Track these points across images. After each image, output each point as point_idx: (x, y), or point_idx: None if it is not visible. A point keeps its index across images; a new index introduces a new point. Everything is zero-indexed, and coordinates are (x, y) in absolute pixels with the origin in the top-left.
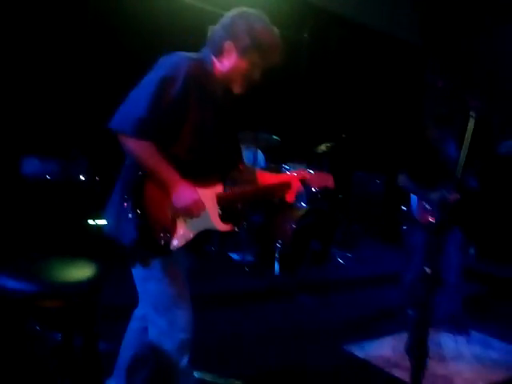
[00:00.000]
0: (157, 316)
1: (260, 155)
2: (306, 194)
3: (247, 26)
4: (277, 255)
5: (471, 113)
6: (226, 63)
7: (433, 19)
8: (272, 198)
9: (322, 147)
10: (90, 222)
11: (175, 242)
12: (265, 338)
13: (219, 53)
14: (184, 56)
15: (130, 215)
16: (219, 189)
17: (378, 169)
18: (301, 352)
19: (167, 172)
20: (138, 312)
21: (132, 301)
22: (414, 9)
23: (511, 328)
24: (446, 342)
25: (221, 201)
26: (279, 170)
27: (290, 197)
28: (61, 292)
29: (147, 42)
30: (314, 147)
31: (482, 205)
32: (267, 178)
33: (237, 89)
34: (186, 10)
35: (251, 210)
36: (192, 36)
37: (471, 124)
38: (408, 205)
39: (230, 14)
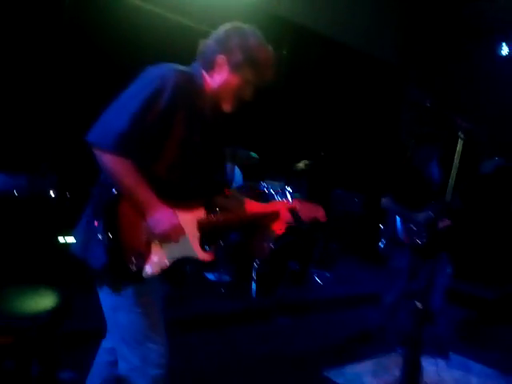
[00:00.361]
0: (128, 350)
1: (237, 172)
2: None
3: (241, 40)
4: (254, 275)
5: (460, 134)
6: (217, 78)
7: (411, 39)
8: (258, 228)
9: (301, 165)
10: (60, 239)
11: (148, 269)
12: (242, 363)
13: (210, 67)
14: (172, 67)
15: (99, 236)
16: (201, 214)
17: (357, 187)
18: (279, 378)
19: (144, 193)
20: (105, 344)
21: (102, 325)
22: (393, 28)
23: (491, 350)
24: (427, 366)
25: (202, 227)
26: (257, 188)
27: (277, 227)
28: (12, 327)
29: (125, 54)
30: (293, 164)
31: (464, 224)
32: (255, 207)
33: (226, 106)
34: (171, 26)
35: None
36: (177, 51)
37: (460, 145)
38: (392, 226)
39: (223, 29)
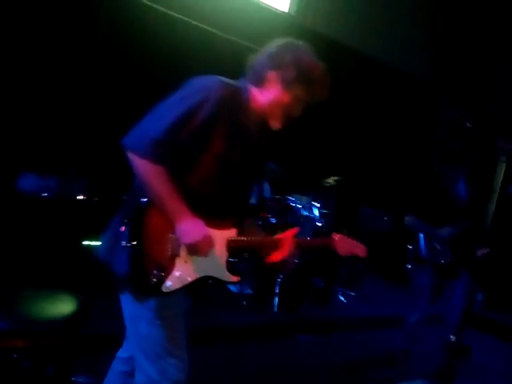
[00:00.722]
0: (147, 363)
1: (266, 186)
2: (310, 228)
3: (294, 57)
4: (277, 289)
5: (501, 157)
6: (267, 94)
7: (447, 54)
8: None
9: (330, 180)
10: (85, 243)
11: (168, 284)
12: (259, 377)
13: (261, 83)
14: (218, 79)
15: (123, 243)
16: (232, 233)
17: (386, 206)
18: None
19: (175, 201)
20: (122, 353)
21: (120, 332)
22: (428, 44)
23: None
24: None
25: (231, 247)
26: (284, 202)
27: (276, 257)
28: (30, 331)
29: (159, 65)
30: (322, 180)
31: (494, 248)
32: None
33: (275, 124)
34: (207, 39)
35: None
36: (213, 65)
37: (501, 168)
38: (415, 244)
39: (275, 44)
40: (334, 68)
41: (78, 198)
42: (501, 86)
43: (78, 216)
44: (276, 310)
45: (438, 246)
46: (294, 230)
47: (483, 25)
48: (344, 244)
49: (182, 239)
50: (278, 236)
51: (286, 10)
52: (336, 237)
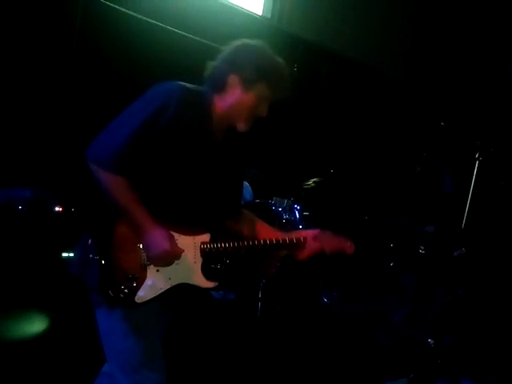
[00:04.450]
0: (123, 377)
1: (248, 189)
2: (292, 230)
3: (251, 56)
4: (260, 295)
5: (477, 155)
6: (229, 99)
7: (421, 55)
8: (269, 254)
9: (310, 182)
10: (64, 255)
11: (141, 294)
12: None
13: (222, 89)
14: (179, 84)
15: (91, 255)
16: (205, 238)
17: (367, 205)
18: None
19: (139, 213)
20: (106, 369)
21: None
22: (402, 44)
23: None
24: None
25: (205, 252)
26: (265, 205)
27: (302, 255)
28: None
29: (136, 71)
30: (302, 182)
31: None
32: (270, 233)
33: (241, 126)
34: (182, 43)
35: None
36: (187, 68)
37: (477, 166)
38: (399, 243)
39: (229, 47)
40: (311, 70)
41: (54, 209)
42: (476, 84)
43: (54, 227)
44: (259, 315)
45: (422, 249)
46: (316, 233)
47: (460, 23)
48: (330, 241)
49: (146, 251)
50: (291, 236)
51: (260, 14)
52: (321, 233)
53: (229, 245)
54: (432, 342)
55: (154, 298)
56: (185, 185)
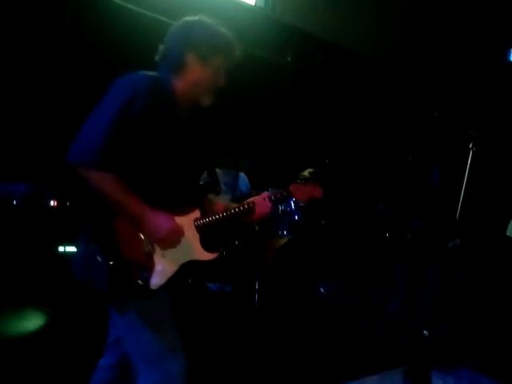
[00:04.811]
0: (150, 367)
1: (244, 179)
2: (288, 221)
3: (203, 31)
4: (257, 286)
5: (471, 145)
6: (190, 77)
7: (416, 44)
8: (241, 223)
9: (305, 173)
10: (60, 249)
11: (155, 280)
12: (243, 376)
13: (181, 69)
14: (142, 74)
15: (99, 258)
16: (196, 215)
17: (362, 195)
18: None
19: (134, 203)
20: (104, 362)
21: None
22: (397, 32)
23: (499, 361)
24: (434, 382)
25: (200, 227)
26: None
27: (255, 217)
28: None
29: (128, 63)
30: (297, 173)
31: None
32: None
33: (205, 101)
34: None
35: (230, 237)
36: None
37: (470, 156)
38: (391, 232)
39: (175, 28)
40: (305, 59)
41: (50, 204)
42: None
43: (50, 222)
44: (257, 306)
45: (410, 236)
46: (265, 195)
47: (455, 12)
48: (301, 190)
49: (150, 237)
50: (249, 200)
51: (254, 3)
52: (292, 186)
53: (217, 216)
54: (427, 333)
55: (166, 281)
56: (167, 168)
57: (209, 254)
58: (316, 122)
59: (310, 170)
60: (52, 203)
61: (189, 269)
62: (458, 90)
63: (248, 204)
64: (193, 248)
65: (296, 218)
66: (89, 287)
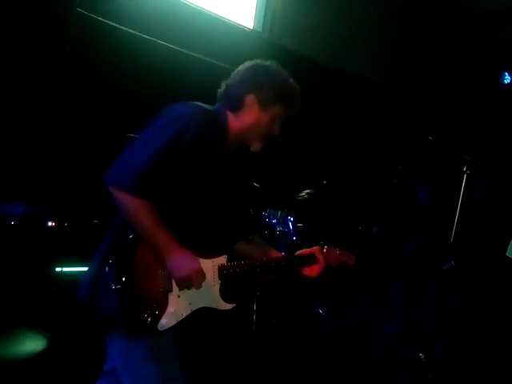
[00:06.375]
0: None
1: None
2: (286, 242)
3: (269, 77)
4: (254, 307)
5: (465, 168)
6: (246, 119)
7: (410, 66)
8: (286, 270)
9: (303, 194)
10: (57, 269)
11: (164, 321)
12: None
13: (238, 108)
14: (196, 105)
15: (112, 285)
16: (222, 260)
17: (361, 216)
18: None
19: (164, 235)
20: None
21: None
22: (392, 55)
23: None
24: None
25: (223, 274)
26: (258, 218)
27: (314, 271)
28: None
29: (131, 88)
30: (295, 194)
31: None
32: (276, 253)
33: (256, 146)
34: (176, 58)
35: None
36: (183, 84)
37: (465, 179)
38: (388, 253)
39: (245, 67)
40: (303, 81)
41: (47, 224)
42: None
43: (48, 243)
44: (254, 327)
45: (407, 257)
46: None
47: (449, 35)
48: (334, 254)
49: (173, 274)
50: (300, 252)
51: (252, 27)
52: (325, 248)
53: (245, 265)
54: (423, 356)
55: (175, 324)
56: (206, 206)
57: (225, 303)
58: (313, 143)
59: (309, 190)
60: (50, 224)
61: (200, 316)
62: (452, 113)
63: (310, 254)
64: (211, 295)
65: (294, 238)
66: (89, 309)
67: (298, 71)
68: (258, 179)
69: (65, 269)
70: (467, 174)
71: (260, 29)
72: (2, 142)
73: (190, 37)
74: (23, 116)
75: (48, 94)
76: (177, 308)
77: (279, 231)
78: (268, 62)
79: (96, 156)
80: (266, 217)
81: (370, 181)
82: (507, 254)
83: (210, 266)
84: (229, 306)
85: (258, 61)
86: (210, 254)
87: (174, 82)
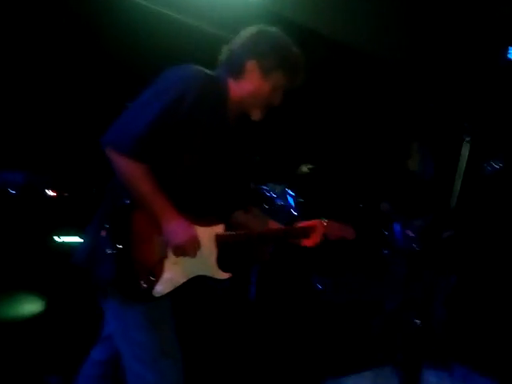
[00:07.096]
0: (143, 368)
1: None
2: (286, 217)
3: (272, 44)
4: (253, 279)
5: (465, 137)
6: (246, 85)
7: (417, 39)
8: (284, 241)
9: (304, 168)
10: (56, 239)
11: (159, 288)
12: (237, 369)
13: (239, 74)
14: (197, 69)
15: (107, 250)
16: (219, 229)
17: (361, 192)
18: None
19: (161, 201)
20: (96, 356)
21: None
22: (397, 27)
23: (493, 359)
24: (428, 379)
25: (220, 243)
26: (257, 191)
27: (312, 241)
28: None
29: (129, 55)
30: (296, 168)
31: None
32: (274, 224)
33: (256, 114)
34: (173, 25)
35: (249, 260)
36: (180, 51)
37: (465, 149)
38: (390, 231)
39: (248, 33)
40: (306, 54)
41: (48, 194)
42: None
43: (47, 212)
44: (253, 299)
45: (412, 234)
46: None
47: (455, 8)
48: (333, 228)
49: (168, 240)
50: (302, 224)
51: None
52: (325, 222)
53: (242, 234)
54: (419, 322)
55: (171, 291)
56: (202, 173)
57: (222, 272)
58: (316, 117)
59: (309, 165)
60: (50, 193)
61: (196, 284)
62: (457, 86)
63: (307, 226)
64: (207, 263)
65: (295, 213)
66: (86, 274)
67: (301, 44)
68: (259, 153)
69: (64, 238)
70: (469, 143)
71: None
72: (2, 111)
73: (189, 5)
74: (24, 86)
75: (49, 64)
76: (173, 275)
77: (279, 205)
78: (272, 29)
79: (97, 125)
80: (266, 191)
81: (373, 156)
82: None
83: (207, 234)
84: (225, 275)
85: (262, 26)
86: (207, 222)
87: (172, 52)
